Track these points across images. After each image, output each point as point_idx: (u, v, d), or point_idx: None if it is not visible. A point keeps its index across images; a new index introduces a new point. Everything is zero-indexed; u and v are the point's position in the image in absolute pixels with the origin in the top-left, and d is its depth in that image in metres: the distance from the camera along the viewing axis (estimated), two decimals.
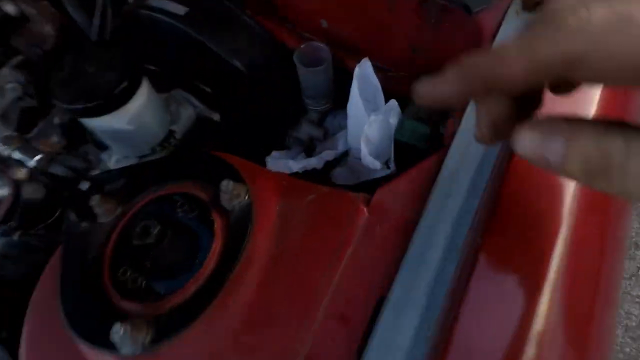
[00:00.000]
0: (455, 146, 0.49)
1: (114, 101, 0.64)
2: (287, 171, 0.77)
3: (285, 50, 0.82)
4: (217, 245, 0.51)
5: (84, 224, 0.58)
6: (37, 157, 0.62)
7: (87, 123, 0.70)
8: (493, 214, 0.46)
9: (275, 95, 0.83)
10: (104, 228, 0.57)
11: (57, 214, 0.75)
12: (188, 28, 0.73)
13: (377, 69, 0.79)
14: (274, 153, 0.84)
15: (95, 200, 0.56)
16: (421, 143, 0.62)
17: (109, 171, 0.66)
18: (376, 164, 0.65)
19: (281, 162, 0.78)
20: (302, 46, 0.76)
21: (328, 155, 0.77)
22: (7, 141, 0.64)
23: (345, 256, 0.48)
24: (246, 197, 0.54)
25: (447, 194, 0.47)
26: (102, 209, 0.57)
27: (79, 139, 0.99)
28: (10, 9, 0.90)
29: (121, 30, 0.78)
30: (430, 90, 0.30)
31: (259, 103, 0.83)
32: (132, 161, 0.80)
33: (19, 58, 1.01)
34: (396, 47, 0.74)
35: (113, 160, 0.79)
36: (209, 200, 0.57)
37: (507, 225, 0.46)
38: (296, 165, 0.76)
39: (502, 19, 0.58)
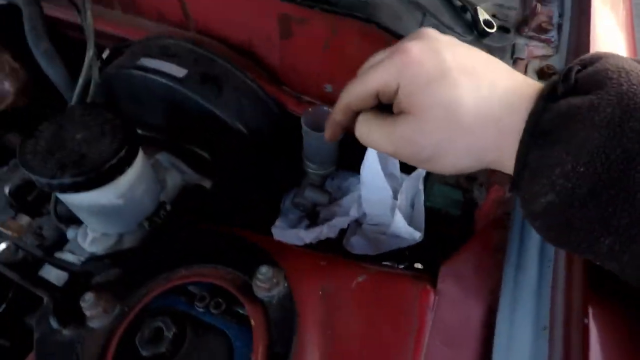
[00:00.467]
0: (518, 215, 0.45)
1: (107, 174, 0.55)
2: (298, 243, 0.69)
3: (285, 112, 0.78)
4: (259, 349, 0.42)
5: (68, 331, 0.46)
6: (2, 246, 0.49)
7: (66, 198, 0.59)
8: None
9: (275, 159, 0.77)
10: (98, 334, 0.46)
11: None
12: (187, 90, 0.66)
13: None
14: (278, 222, 0.76)
15: (88, 301, 0.45)
16: (454, 209, 0.59)
17: (96, 258, 0.55)
18: (415, 235, 0.60)
19: (289, 233, 0.71)
20: (309, 110, 0.72)
21: (341, 222, 0.71)
22: None
23: (423, 343, 0.41)
24: (284, 285, 0.47)
25: (518, 265, 0.43)
26: (97, 310, 0.46)
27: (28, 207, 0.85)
28: None
29: (101, 92, 0.70)
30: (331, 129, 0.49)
31: (259, 167, 0.77)
32: (112, 240, 0.68)
33: None
34: None
35: (88, 240, 0.66)
36: (238, 290, 0.48)
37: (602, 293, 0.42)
38: (308, 235, 0.70)
39: None
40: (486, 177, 0.55)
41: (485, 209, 0.52)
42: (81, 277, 0.52)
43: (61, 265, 0.53)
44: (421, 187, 0.62)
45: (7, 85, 0.78)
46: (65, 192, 0.54)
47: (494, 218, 0.47)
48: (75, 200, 0.58)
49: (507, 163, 0.36)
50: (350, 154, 0.81)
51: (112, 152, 0.55)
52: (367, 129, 0.42)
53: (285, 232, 0.71)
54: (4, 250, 0.49)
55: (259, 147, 0.72)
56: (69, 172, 0.53)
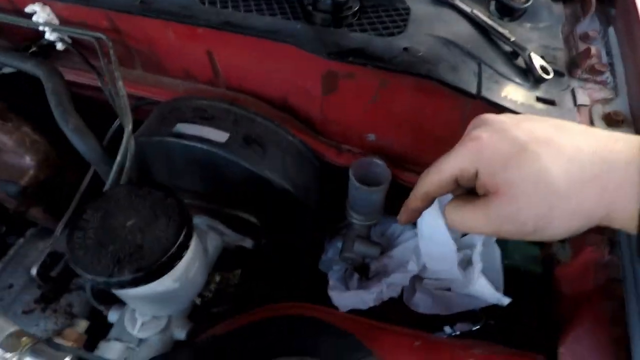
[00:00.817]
0: (630, 281, 0.43)
1: (168, 264, 0.50)
2: (362, 307, 0.66)
3: (325, 163, 0.75)
4: None
5: None
6: None
7: (119, 292, 0.54)
8: None
9: (320, 214, 0.74)
10: None
11: None
12: (232, 155, 0.63)
13: None
14: (332, 282, 0.72)
15: None
16: (535, 266, 0.56)
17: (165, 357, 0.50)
18: (504, 301, 0.57)
19: (350, 296, 0.67)
20: (357, 162, 0.69)
21: (400, 279, 0.68)
22: (9, 343, 0.44)
23: None
24: None
25: None
26: None
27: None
28: None
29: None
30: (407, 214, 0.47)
31: (305, 224, 0.73)
32: (162, 322, 0.63)
33: None
34: None
35: (138, 326, 0.61)
36: None
37: None
38: (370, 297, 0.66)
39: None
40: None
41: (576, 271, 0.50)
42: None
43: None
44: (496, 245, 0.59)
45: (28, 160, 0.73)
46: (123, 288, 0.49)
47: (598, 286, 0.44)
48: (130, 292, 0.54)
49: (619, 219, 0.36)
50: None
51: (170, 239, 0.51)
52: (459, 216, 0.41)
53: (345, 296, 0.67)
54: None
55: (304, 204, 0.69)
56: (127, 268, 0.48)
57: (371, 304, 0.65)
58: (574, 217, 0.36)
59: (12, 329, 0.46)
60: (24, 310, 0.76)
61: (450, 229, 0.65)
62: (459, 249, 0.66)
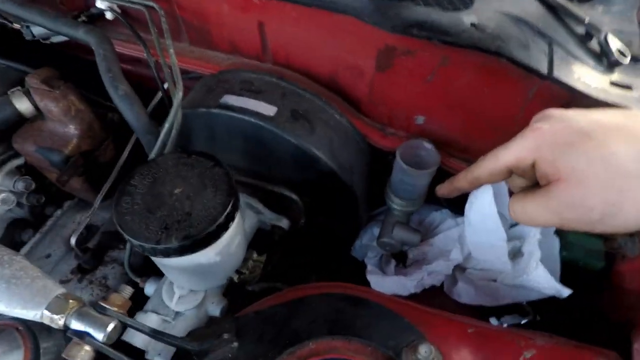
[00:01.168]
0: None
1: (215, 233, 0.49)
2: (403, 293, 0.63)
3: (370, 146, 0.73)
4: None
5: None
6: (111, 327, 0.43)
7: (161, 260, 0.53)
8: None
9: (362, 198, 0.71)
10: None
11: None
12: (279, 130, 0.61)
13: None
14: (371, 268, 0.70)
15: None
16: (596, 261, 0.53)
17: (202, 331, 0.48)
18: (564, 292, 0.54)
19: (391, 281, 0.64)
20: (405, 144, 0.66)
21: (443, 268, 0.65)
22: (56, 304, 0.43)
23: None
24: None
25: None
26: None
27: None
28: (24, 106, 0.73)
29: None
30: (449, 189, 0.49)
31: (346, 207, 0.71)
32: (199, 297, 0.61)
33: (15, 162, 0.82)
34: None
35: (175, 299, 0.60)
36: None
37: None
38: (411, 283, 0.63)
39: None
40: None
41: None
42: (195, 356, 0.45)
43: (170, 342, 0.47)
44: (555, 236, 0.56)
45: (72, 128, 0.73)
46: (169, 256, 0.48)
47: None
48: (172, 262, 0.52)
49: None
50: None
51: (218, 208, 0.49)
52: (521, 208, 0.40)
53: (385, 280, 0.65)
54: (112, 330, 0.42)
55: (347, 185, 0.66)
56: (174, 235, 0.47)
57: (412, 291, 0.63)
58: None
59: (59, 291, 0.45)
60: (61, 279, 0.76)
61: (501, 219, 0.61)
62: (508, 240, 0.63)
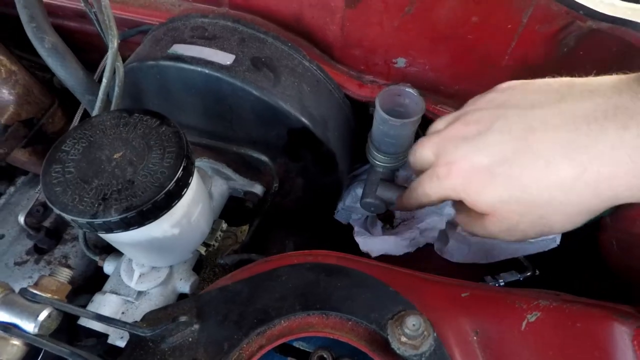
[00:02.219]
0: None
1: (164, 203, 0.42)
2: (395, 253, 0.57)
3: (345, 96, 0.65)
4: None
5: None
6: (43, 315, 0.36)
7: (109, 236, 0.46)
8: None
9: (341, 154, 0.64)
10: None
11: None
12: (238, 80, 0.53)
13: None
14: (358, 229, 0.64)
15: None
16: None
17: (164, 310, 0.42)
18: (552, 242, 0.49)
19: (380, 241, 0.58)
20: (385, 90, 0.59)
21: (436, 223, 0.59)
22: None
23: None
24: (434, 337, 0.35)
25: None
26: None
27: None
28: None
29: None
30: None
31: (322, 165, 0.64)
32: (163, 274, 0.55)
33: None
34: (497, 83, 0.60)
35: (135, 277, 0.54)
36: (369, 347, 0.36)
37: None
38: (404, 243, 0.57)
39: None
40: None
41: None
42: (150, 342, 0.39)
43: (119, 327, 0.41)
44: None
45: (6, 93, 0.63)
46: (111, 232, 0.41)
47: None
48: (121, 237, 0.46)
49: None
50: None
51: (167, 173, 0.42)
52: (469, 225, 0.43)
53: (375, 241, 0.59)
54: (46, 318, 0.36)
55: (322, 139, 0.59)
56: (114, 207, 0.40)
57: (406, 250, 0.57)
58: (573, 214, 0.35)
59: None
60: (15, 261, 0.69)
61: None
62: None
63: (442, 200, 0.44)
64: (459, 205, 0.44)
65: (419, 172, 0.49)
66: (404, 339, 0.34)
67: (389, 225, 0.69)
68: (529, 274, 0.54)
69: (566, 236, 0.58)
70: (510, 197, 0.36)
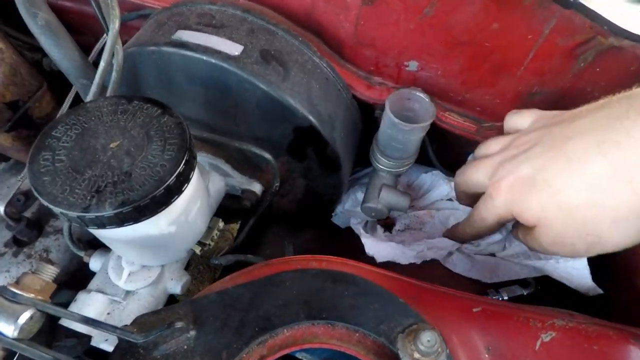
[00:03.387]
0: None
1: (163, 198, 0.39)
2: (402, 261, 0.55)
3: (354, 97, 0.63)
4: None
5: None
6: (24, 318, 0.33)
7: (100, 232, 0.43)
8: None
9: (345, 155, 0.62)
10: None
11: None
12: (245, 73, 0.50)
13: (469, 120, 0.63)
14: (365, 235, 0.61)
15: None
16: None
17: (155, 314, 0.39)
18: (596, 290, 0.48)
19: (388, 247, 0.56)
20: (396, 93, 0.57)
21: (448, 245, 0.57)
22: None
23: None
24: (447, 354, 0.33)
25: None
26: None
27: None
28: None
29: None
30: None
31: (327, 166, 0.61)
32: (153, 273, 0.52)
33: None
34: (508, 93, 0.59)
35: (124, 276, 0.51)
36: (379, 359, 0.34)
37: None
38: (412, 253, 0.55)
39: None
40: None
41: None
42: (141, 349, 0.36)
43: (107, 331, 0.38)
44: None
45: None
46: (103, 227, 0.38)
47: None
48: (113, 234, 0.42)
49: None
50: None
51: (167, 166, 0.39)
52: (523, 238, 0.45)
53: (383, 246, 0.56)
54: (27, 321, 0.33)
55: (328, 141, 0.57)
56: (109, 200, 0.37)
57: (412, 261, 0.55)
58: (621, 220, 0.34)
59: None
60: None
61: None
62: None
63: (499, 223, 0.45)
64: (516, 222, 0.45)
65: (463, 194, 0.52)
66: (417, 355, 0.32)
67: (389, 232, 0.67)
68: (531, 290, 0.53)
69: None
70: (551, 203, 0.37)
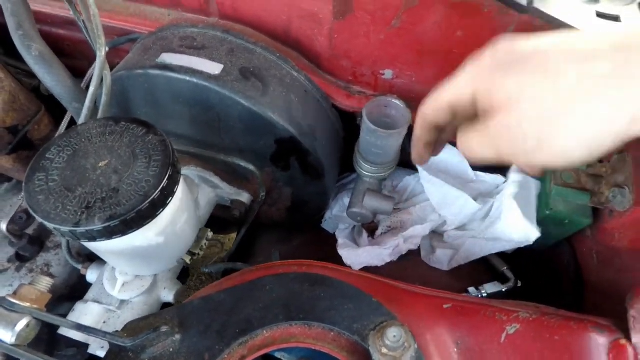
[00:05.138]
0: None
1: (149, 211, 0.41)
2: (378, 263, 0.58)
3: (333, 107, 0.66)
4: None
5: None
6: (21, 325, 0.36)
7: (93, 245, 0.46)
8: None
9: (329, 163, 0.65)
10: None
11: None
12: (226, 90, 0.53)
13: None
14: (341, 240, 0.64)
15: None
16: (584, 217, 0.48)
17: (145, 319, 0.42)
18: (531, 235, 0.50)
19: (363, 253, 0.58)
20: (372, 101, 0.59)
21: (419, 231, 0.59)
22: None
23: None
24: (415, 349, 0.35)
25: None
26: None
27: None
28: None
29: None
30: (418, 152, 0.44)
31: (310, 174, 0.64)
32: (146, 283, 0.55)
33: None
34: None
35: (118, 286, 0.53)
36: (352, 356, 0.37)
37: None
38: (386, 252, 0.58)
39: None
40: (629, 178, 0.44)
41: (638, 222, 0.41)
42: (130, 352, 0.39)
43: (98, 336, 0.40)
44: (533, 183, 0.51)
45: None
46: (94, 240, 0.41)
47: None
48: (104, 246, 0.45)
49: None
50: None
51: (152, 182, 0.42)
52: (466, 141, 0.37)
53: (358, 253, 0.59)
54: (24, 328, 0.35)
55: (309, 150, 0.60)
56: (98, 215, 0.40)
57: (388, 260, 0.57)
58: (588, 122, 0.30)
59: None
60: None
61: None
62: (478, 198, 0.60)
63: (448, 106, 0.37)
64: (445, 121, 0.39)
65: (424, 129, 0.41)
66: (384, 350, 0.34)
67: (372, 237, 0.69)
68: (511, 285, 0.55)
69: (548, 248, 0.59)
70: (534, 81, 0.30)
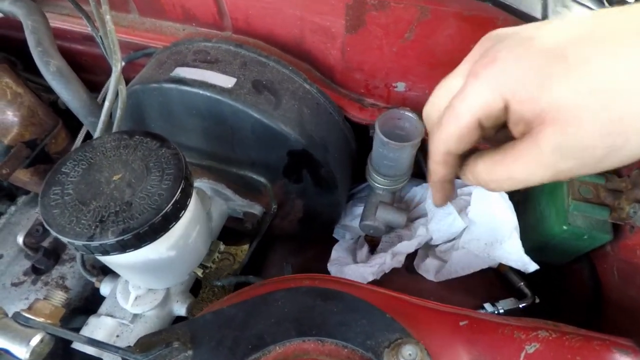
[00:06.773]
0: None
1: (161, 225, 0.42)
2: (362, 281, 0.57)
3: (346, 119, 0.65)
4: None
5: None
6: (35, 341, 0.36)
7: (107, 259, 0.46)
8: None
9: (341, 176, 0.64)
10: None
11: None
12: (239, 103, 0.53)
13: None
14: (335, 253, 0.63)
15: None
16: (603, 233, 0.46)
17: (156, 335, 0.42)
18: (530, 267, 0.49)
19: (349, 271, 0.58)
20: (385, 114, 0.59)
21: (406, 247, 0.59)
22: None
23: None
24: None
25: None
26: None
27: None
28: None
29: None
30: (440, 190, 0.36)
31: (324, 186, 0.64)
32: (159, 296, 0.55)
33: None
34: None
35: (131, 300, 0.53)
36: None
37: None
38: (369, 271, 0.57)
39: None
40: None
41: None
42: None
43: (110, 351, 0.40)
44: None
45: (10, 115, 0.64)
46: (107, 254, 0.41)
47: None
48: (117, 259, 0.45)
49: None
50: None
51: (164, 195, 0.42)
52: (499, 170, 0.30)
53: (344, 271, 0.59)
54: (38, 344, 0.36)
55: (321, 162, 0.59)
56: (111, 229, 0.40)
57: (370, 279, 0.57)
58: None
59: None
60: (12, 282, 0.69)
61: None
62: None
63: (477, 125, 0.30)
64: (475, 143, 0.32)
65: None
66: None
67: (371, 253, 0.68)
68: (528, 302, 0.54)
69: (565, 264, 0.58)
70: (590, 84, 0.26)
